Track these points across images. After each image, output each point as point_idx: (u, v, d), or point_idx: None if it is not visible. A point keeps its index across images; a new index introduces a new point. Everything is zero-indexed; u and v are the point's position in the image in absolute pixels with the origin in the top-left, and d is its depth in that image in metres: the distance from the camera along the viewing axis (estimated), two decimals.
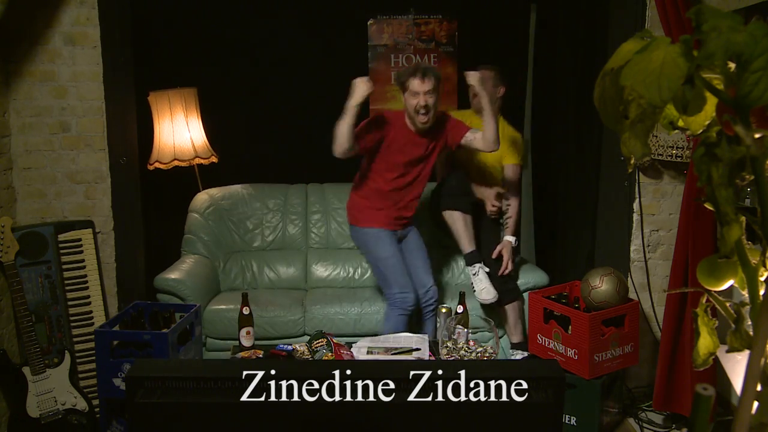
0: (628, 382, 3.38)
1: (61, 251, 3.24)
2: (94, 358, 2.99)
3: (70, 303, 3.24)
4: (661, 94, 0.77)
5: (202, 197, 4.02)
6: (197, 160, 3.96)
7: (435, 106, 3.22)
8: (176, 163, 3.88)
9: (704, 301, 1.08)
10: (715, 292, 1.09)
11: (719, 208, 0.91)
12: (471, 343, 2.81)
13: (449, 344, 2.75)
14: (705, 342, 1.05)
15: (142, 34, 3.85)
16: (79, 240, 3.29)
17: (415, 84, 3.15)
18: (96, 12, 3.24)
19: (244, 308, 2.99)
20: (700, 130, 0.92)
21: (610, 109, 0.87)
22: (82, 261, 3.29)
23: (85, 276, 3.28)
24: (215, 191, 4.07)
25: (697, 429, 0.83)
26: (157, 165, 3.85)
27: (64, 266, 3.24)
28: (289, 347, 2.96)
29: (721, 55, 0.76)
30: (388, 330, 3.26)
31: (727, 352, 0.98)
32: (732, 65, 0.81)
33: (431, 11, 4.33)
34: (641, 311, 3.29)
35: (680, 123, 0.94)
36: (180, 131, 3.88)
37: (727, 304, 1.05)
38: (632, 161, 0.92)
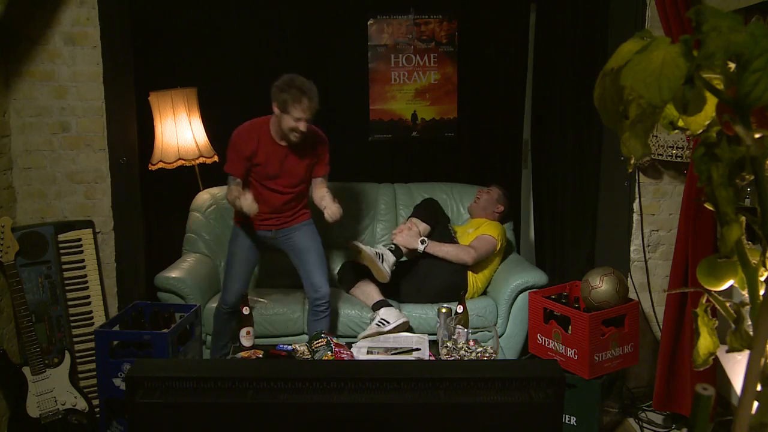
0: (628, 382, 3.38)
1: (61, 251, 3.24)
2: (94, 358, 3.00)
3: (70, 303, 3.24)
4: (661, 94, 0.77)
5: (204, 196, 4.02)
6: (201, 160, 3.96)
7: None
8: (181, 162, 3.87)
9: (704, 301, 1.08)
10: (715, 292, 1.09)
11: (719, 208, 0.91)
12: (471, 343, 2.81)
13: (449, 344, 2.75)
14: (705, 342, 1.05)
15: (140, 35, 3.85)
16: (79, 240, 3.29)
17: (298, 111, 3.01)
18: (96, 12, 3.24)
19: (244, 308, 2.99)
20: (700, 130, 0.92)
21: (610, 109, 0.87)
22: (82, 261, 3.29)
23: (85, 276, 3.28)
24: (217, 190, 4.06)
25: (698, 429, 0.83)
26: (161, 165, 3.84)
27: (64, 266, 3.24)
28: (289, 347, 2.96)
29: (721, 55, 0.76)
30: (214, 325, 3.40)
31: (727, 352, 0.98)
32: (732, 65, 0.81)
33: (431, 11, 4.33)
34: (641, 311, 3.29)
35: (680, 123, 0.94)
36: (183, 131, 3.88)
37: (727, 304, 1.05)
38: (632, 161, 0.92)
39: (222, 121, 4.18)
